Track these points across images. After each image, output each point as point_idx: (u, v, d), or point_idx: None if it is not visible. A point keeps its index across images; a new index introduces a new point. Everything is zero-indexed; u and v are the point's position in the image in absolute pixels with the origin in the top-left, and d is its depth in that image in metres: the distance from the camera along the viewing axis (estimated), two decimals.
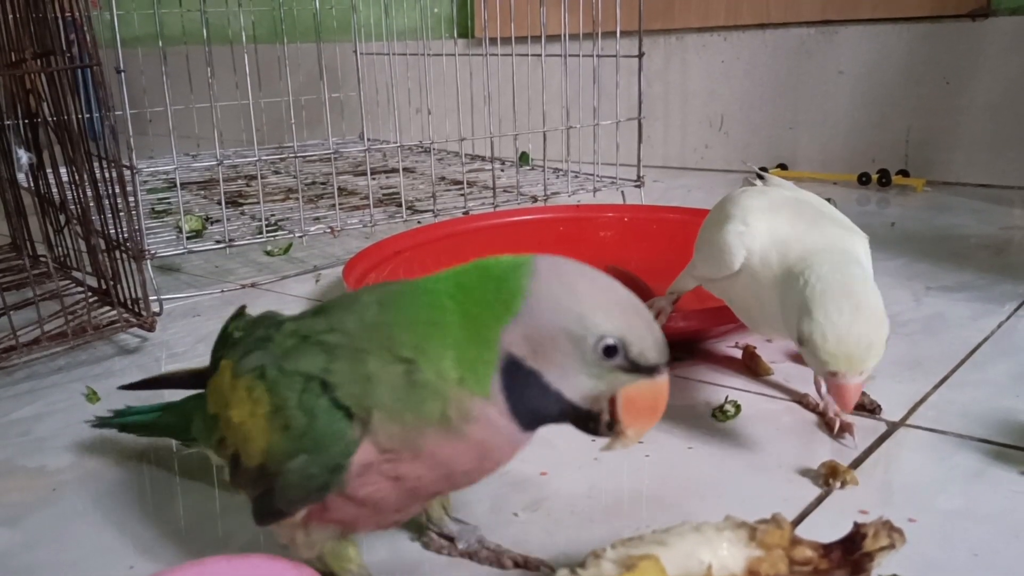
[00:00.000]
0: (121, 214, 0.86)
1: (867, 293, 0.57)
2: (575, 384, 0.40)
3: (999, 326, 0.86)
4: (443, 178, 1.59)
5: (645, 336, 0.41)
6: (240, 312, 0.55)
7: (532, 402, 0.40)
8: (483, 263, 0.42)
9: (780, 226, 0.64)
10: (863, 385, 0.58)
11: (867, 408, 0.68)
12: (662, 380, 0.42)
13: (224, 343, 0.53)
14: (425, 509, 0.52)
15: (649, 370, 0.41)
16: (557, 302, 0.40)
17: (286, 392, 0.42)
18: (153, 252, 1.03)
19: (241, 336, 0.50)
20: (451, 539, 0.52)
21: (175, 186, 1.15)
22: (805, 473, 0.60)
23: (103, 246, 0.89)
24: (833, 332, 0.55)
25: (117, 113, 0.87)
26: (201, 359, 0.60)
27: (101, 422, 0.64)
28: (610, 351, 0.40)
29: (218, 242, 1.09)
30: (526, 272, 0.41)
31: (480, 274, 0.42)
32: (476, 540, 0.52)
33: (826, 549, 0.43)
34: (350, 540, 0.47)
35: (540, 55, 1.29)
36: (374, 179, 1.60)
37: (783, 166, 1.72)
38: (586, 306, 0.40)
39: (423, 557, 0.52)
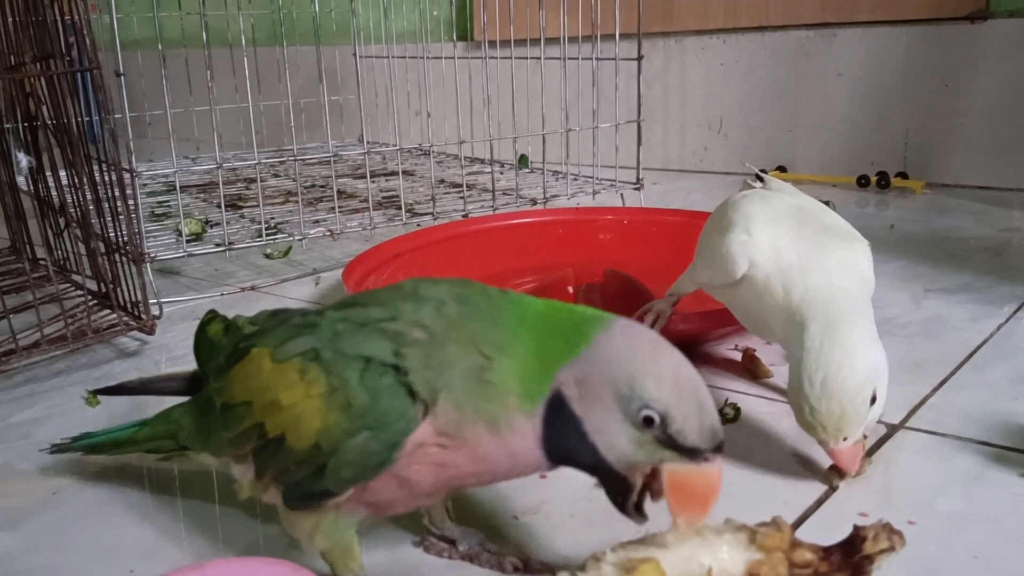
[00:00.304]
0: (121, 217, 0.86)
1: (849, 360, 0.56)
2: (613, 442, 0.41)
3: (998, 328, 0.86)
4: (442, 181, 1.60)
5: (691, 417, 0.41)
6: (212, 317, 0.56)
7: (567, 442, 0.42)
8: (573, 306, 0.44)
9: (782, 238, 0.63)
10: (857, 451, 0.57)
11: None
12: (711, 469, 0.41)
13: (211, 345, 0.53)
14: (427, 511, 0.52)
15: (691, 452, 0.41)
16: (614, 357, 0.41)
17: (346, 372, 0.44)
18: (153, 255, 1.03)
19: (259, 328, 0.50)
20: (452, 542, 0.52)
21: (175, 189, 1.15)
22: (804, 475, 0.60)
23: (103, 249, 0.89)
24: (807, 403, 0.56)
25: (117, 116, 0.87)
26: None
27: (60, 448, 0.64)
28: (649, 421, 0.40)
29: (218, 245, 1.09)
30: (601, 325, 0.42)
31: (565, 311, 0.44)
32: (477, 543, 0.52)
33: (826, 552, 0.43)
34: (357, 538, 0.48)
35: (539, 58, 1.29)
36: (373, 182, 1.60)
37: (782, 168, 1.72)
38: (639, 370, 0.41)
39: (423, 560, 0.52)
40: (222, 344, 0.52)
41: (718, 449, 0.41)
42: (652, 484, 0.42)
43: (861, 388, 0.56)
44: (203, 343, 0.55)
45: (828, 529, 0.49)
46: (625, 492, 0.42)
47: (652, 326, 0.75)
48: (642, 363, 0.41)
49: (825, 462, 0.61)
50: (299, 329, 0.47)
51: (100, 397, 0.77)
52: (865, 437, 0.58)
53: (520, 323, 0.43)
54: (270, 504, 0.49)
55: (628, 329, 0.42)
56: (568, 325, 0.43)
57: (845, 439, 0.56)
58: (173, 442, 0.56)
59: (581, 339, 0.42)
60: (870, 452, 0.63)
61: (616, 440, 0.41)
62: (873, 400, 0.57)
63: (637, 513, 0.43)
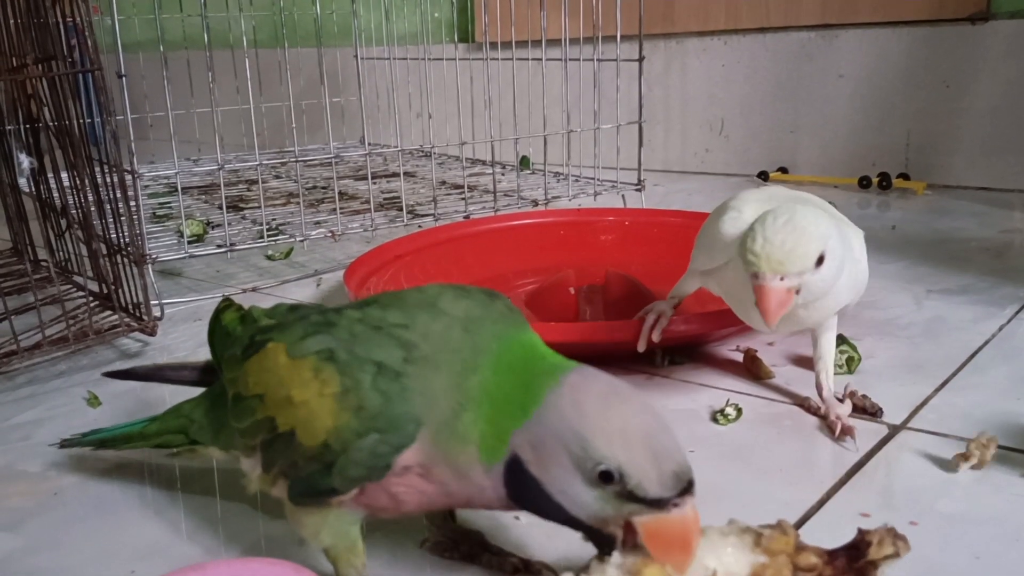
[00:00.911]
0: (122, 218, 0.86)
1: (810, 215, 0.59)
2: (578, 502, 0.41)
3: (1000, 329, 0.86)
4: (444, 182, 1.60)
5: (648, 469, 0.39)
6: (228, 305, 0.56)
7: (535, 502, 0.42)
8: (540, 351, 0.45)
9: None
10: (786, 299, 0.59)
11: (868, 411, 0.68)
12: (683, 514, 0.40)
13: (226, 334, 0.53)
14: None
15: (657, 503, 0.39)
16: (563, 418, 0.40)
17: (360, 375, 0.44)
18: (154, 256, 1.03)
19: (277, 322, 0.50)
20: (454, 542, 0.52)
21: (176, 190, 1.15)
22: (806, 476, 0.60)
23: (104, 250, 0.89)
24: (760, 235, 0.58)
25: (118, 118, 0.87)
26: None
27: (69, 443, 0.65)
28: (606, 476, 0.39)
29: (219, 246, 1.09)
30: (552, 381, 0.42)
31: (529, 363, 0.43)
32: (478, 544, 0.52)
33: (831, 556, 0.43)
34: (361, 537, 0.48)
35: (540, 59, 1.29)
36: (375, 183, 1.60)
37: (783, 170, 1.72)
38: (587, 428, 0.40)
39: (425, 561, 0.52)
40: (237, 334, 0.52)
41: (687, 491, 0.40)
42: (627, 536, 0.41)
43: (815, 234, 0.58)
44: (217, 330, 0.55)
45: (830, 530, 0.49)
46: (609, 542, 0.41)
47: (653, 327, 0.75)
48: (591, 421, 0.40)
49: (824, 462, 0.61)
50: (317, 327, 0.47)
51: (102, 398, 0.77)
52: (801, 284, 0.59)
53: (493, 374, 0.43)
54: (276, 499, 0.49)
55: (578, 384, 0.41)
56: (526, 381, 0.42)
57: (782, 279, 0.58)
58: (183, 437, 0.56)
59: (532, 401, 0.41)
60: (871, 453, 0.63)
61: (580, 499, 0.40)
62: (821, 261, 0.59)
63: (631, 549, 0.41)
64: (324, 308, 0.50)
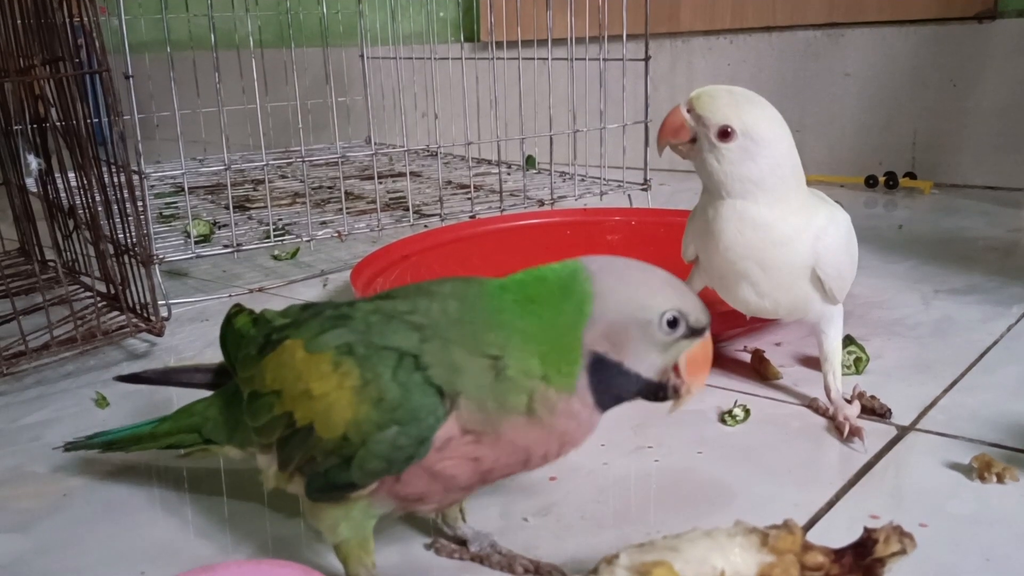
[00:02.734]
0: (129, 219, 0.86)
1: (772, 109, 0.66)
2: (649, 363, 0.45)
3: (1008, 329, 0.85)
4: (450, 182, 1.60)
5: (695, 303, 0.46)
6: (240, 310, 0.56)
7: (616, 388, 0.45)
8: (537, 274, 0.46)
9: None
10: (679, 128, 0.66)
11: (877, 412, 0.68)
12: (708, 337, 0.47)
13: (239, 336, 0.53)
14: (439, 512, 0.52)
15: (702, 331, 0.46)
16: (621, 297, 0.44)
17: (379, 367, 0.44)
18: (161, 257, 1.03)
19: (292, 320, 0.50)
20: (463, 543, 0.52)
21: (183, 191, 1.15)
22: (815, 478, 0.60)
23: (112, 251, 0.89)
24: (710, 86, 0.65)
25: (125, 118, 0.87)
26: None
27: (74, 446, 0.64)
28: (674, 323, 0.45)
29: (226, 247, 1.09)
30: (585, 277, 0.45)
31: (541, 285, 0.45)
32: (488, 545, 0.52)
33: (837, 554, 0.43)
34: (372, 535, 0.48)
35: (546, 59, 1.29)
36: (381, 183, 1.60)
37: None
38: (643, 295, 0.45)
39: (433, 562, 0.52)
40: (251, 335, 0.52)
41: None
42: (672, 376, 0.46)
43: (742, 109, 0.64)
44: (229, 334, 0.55)
45: (838, 531, 0.49)
46: (664, 389, 0.46)
47: None
48: (643, 288, 0.45)
49: (833, 463, 0.61)
50: (333, 321, 0.47)
51: (110, 399, 0.77)
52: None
53: (512, 315, 0.45)
54: (286, 500, 0.49)
55: (608, 267, 0.46)
56: (559, 292, 0.45)
57: (690, 112, 0.65)
58: (196, 436, 0.56)
59: (582, 299, 0.44)
60: (880, 455, 0.62)
61: (652, 359, 0.45)
62: (726, 136, 0.64)
63: (675, 394, 0.47)
64: (337, 303, 0.50)
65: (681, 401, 0.47)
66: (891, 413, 0.68)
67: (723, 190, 0.66)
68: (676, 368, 0.46)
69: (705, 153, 0.66)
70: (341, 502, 0.47)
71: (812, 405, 0.71)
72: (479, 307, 0.45)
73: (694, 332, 0.46)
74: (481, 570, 0.51)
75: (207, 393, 0.58)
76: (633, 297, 0.44)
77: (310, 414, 0.46)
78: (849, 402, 0.68)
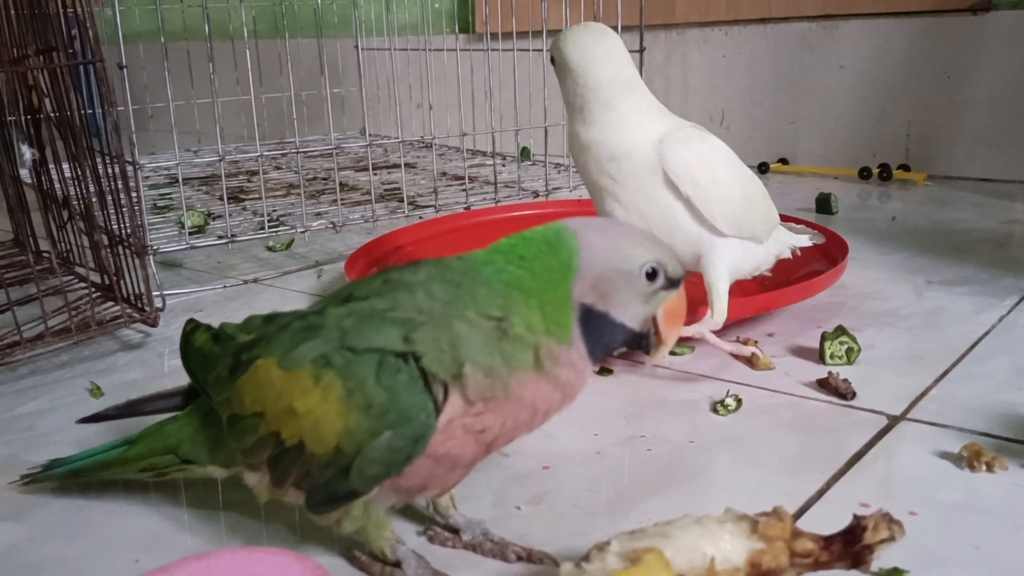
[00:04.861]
0: (123, 210, 0.86)
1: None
2: (633, 313, 0.47)
3: (1000, 320, 0.86)
4: (444, 173, 1.60)
5: (671, 255, 0.48)
6: (195, 327, 0.55)
7: (604, 338, 0.47)
8: (523, 237, 0.48)
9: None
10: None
11: (840, 392, 0.69)
12: (683, 289, 0.50)
13: (202, 356, 0.52)
14: (431, 501, 0.53)
15: (678, 282, 0.49)
16: (605, 249, 0.47)
17: (361, 373, 0.44)
18: (155, 248, 1.03)
19: (257, 336, 0.49)
20: (456, 532, 0.53)
21: (177, 182, 1.15)
22: (806, 466, 0.60)
23: (106, 242, 0.89)
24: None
25: (119, 109, 0.87)
26: None
27: (34, 479, 0.59)
28: (652, 274, 0.47)
29: (220, 238, 1.09)
30: (569, 233, 0.47)
31: (529, 245, 0.47)
32: (481, 533, 0.52)
33: (827, 541, 0.43)
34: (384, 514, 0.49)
35: (541, 50, 1.29)
36: (375, 174, 1.60)
37: (784, 160, 1.72)
38: (625, 246, 0.47)
39: (427, 550, 0.52)
40: (215, 354, 0.51)
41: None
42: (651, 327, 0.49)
43: (617, 48, 0.74)
44: (191, 354, 0.54)
45: (829, 520, 0.49)
46: (646, 337, 0.49)
47: None
48: (624, 240, 0.47)
49: (824, 452, 0.61)
50: (303, 333, 0.47)
51: (105, 389, 0.77)
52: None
53: (509, 276, 0.46)
54: (291, 504, 0.49)
55: (586, 225, 0.48)
56: (547, 250, 0.46)
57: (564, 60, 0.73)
58: (173, 457, 0.54)
59: (569, 254, 0.46)
60: (871, 444, 0.63)
61: (636, 308, 0.47)
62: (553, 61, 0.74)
63: (654, 345, 0.49)
64: (303, 312, 0.49)
65: (658, 351, 0.49)
66: (855, 395, 0.70)
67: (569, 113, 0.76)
68: (654, 320, 0.48)
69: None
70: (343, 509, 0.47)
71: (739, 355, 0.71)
72: (473, 277, 0.46)
73: (672, 283, 0.48)
74: (474, 558, 0.51)
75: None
76: (616, 249, 0.47)
77: (298, 432, 0.45)
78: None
